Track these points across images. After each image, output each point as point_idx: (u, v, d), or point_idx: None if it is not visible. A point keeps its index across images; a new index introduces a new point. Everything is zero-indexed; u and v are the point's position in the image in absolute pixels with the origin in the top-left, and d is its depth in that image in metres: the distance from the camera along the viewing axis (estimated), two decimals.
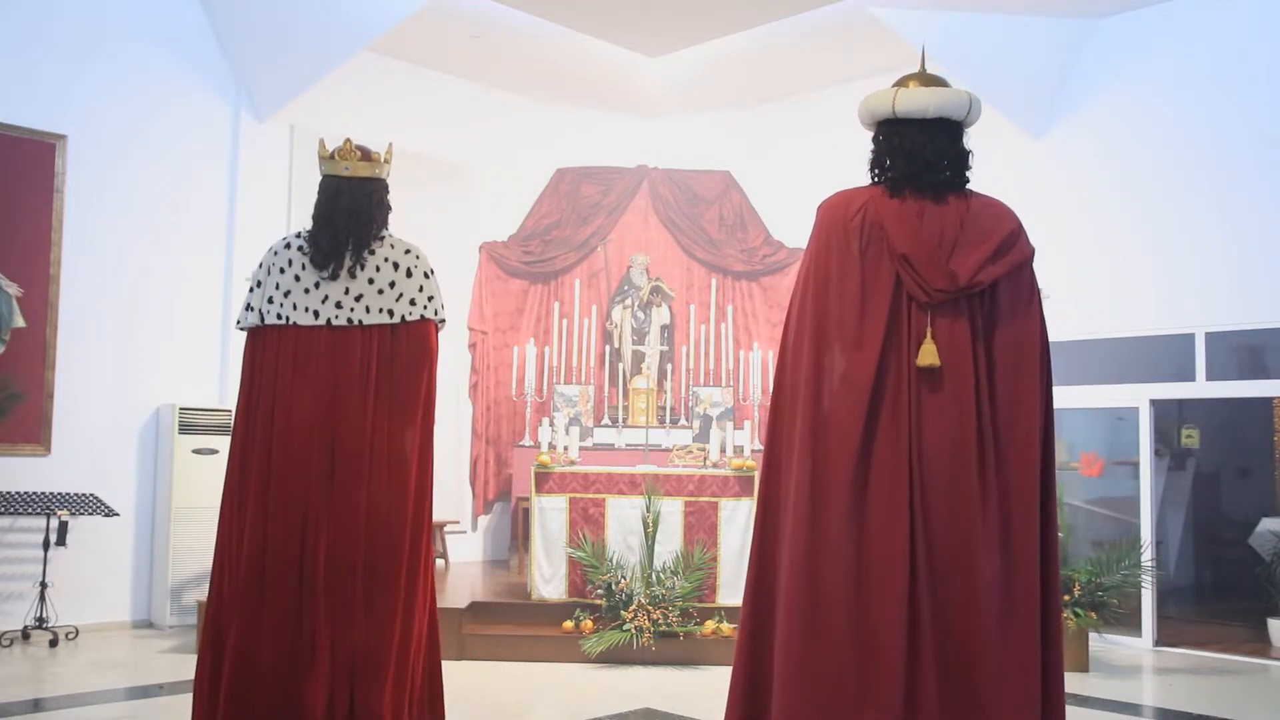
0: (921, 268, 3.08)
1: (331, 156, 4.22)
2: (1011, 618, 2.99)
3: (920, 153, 3.20)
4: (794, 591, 3.03)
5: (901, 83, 3.31)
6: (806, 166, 9.93)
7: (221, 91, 8.43)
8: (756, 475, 7.32)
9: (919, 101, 3.22)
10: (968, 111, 3.24)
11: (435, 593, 4.31)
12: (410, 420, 4.09)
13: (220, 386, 8.28)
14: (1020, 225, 3.23)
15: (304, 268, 4.12)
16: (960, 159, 3.25)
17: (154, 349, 7.98)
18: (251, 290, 4.20)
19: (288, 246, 4.20)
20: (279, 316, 4.10)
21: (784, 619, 3.05)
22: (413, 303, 4.15)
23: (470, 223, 9.79)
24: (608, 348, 9.95)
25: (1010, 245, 3.16)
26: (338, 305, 4.10)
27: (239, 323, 4.22)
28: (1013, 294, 3.16)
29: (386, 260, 4.16)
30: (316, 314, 4.08)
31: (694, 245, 10.25)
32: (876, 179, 3.29)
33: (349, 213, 4.14)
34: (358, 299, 4.10)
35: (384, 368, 4.09)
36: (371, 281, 4.12)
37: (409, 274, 4.17)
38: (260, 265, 4.21)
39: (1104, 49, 8.36)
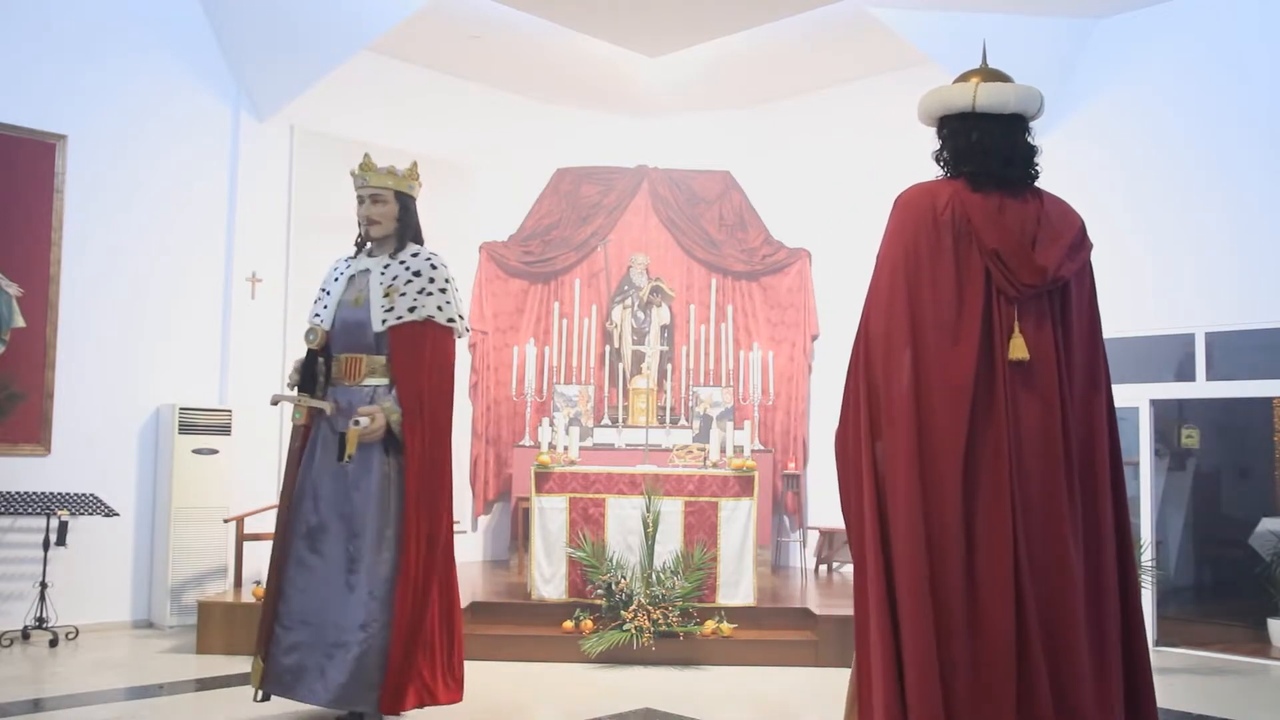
0: (1011, 262, 3.10)
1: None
2: (1099, 609, 3.03)
3: (999, 148, 3.20)
4: (913, 593, 2.98)
5: (963, 78, 3.29)
6: (807, 166, 9.94)
7: (221, 91, 8.43)
8: (756, 475, 7.34)
9: (1001, 96, 3.21)
10: (1039, 107, 3.27)
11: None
12: None
13: (220, 386, 8.28)
14: (1083, 222, 3.27)
15: None
16: (1031, 154, 3.27)
17: (154, 349, 7.98)
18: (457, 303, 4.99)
19: None
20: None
21: (909, 622, 2.99)
22: None
23: (470, 223, 9.79)
24: (608, 348, 9.95)
25: (1081, 241, 3.22)
26: None
27: (467, 330, 5.15)
28: (1080, 289, 3.22)
29: None
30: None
31: (694, 245, 10.25)
32: (951, 173, 3.27)
33: None
34: None
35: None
36: None
37: None
38: (452, 279, 4.99)
39: (1104, 49, 8.36)
